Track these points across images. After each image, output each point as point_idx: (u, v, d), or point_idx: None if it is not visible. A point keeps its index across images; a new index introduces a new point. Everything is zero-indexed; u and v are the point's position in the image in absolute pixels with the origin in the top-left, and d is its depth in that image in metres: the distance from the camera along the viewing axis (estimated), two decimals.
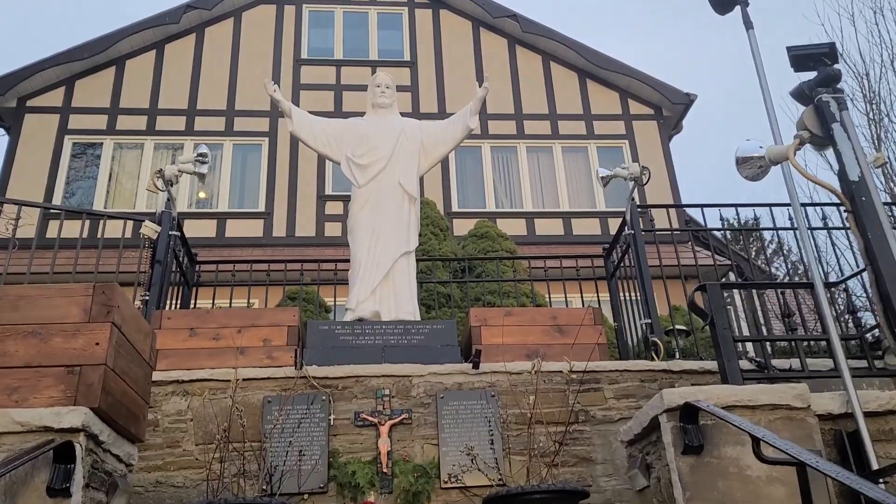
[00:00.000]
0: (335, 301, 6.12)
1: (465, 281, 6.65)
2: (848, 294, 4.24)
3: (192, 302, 5.86)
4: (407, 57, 14.30)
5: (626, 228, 5.37)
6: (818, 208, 5.92)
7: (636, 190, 5.29)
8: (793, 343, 4.02)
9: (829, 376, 3.23)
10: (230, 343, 4.39)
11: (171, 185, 4.87)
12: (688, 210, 12.16)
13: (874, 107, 9.79)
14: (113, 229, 5.98)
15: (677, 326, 5.07)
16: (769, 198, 5.48)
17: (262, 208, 12.69)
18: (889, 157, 9.66)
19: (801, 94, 3.15)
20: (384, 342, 4.67)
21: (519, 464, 4.11)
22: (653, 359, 4.72)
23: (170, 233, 4.96)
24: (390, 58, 14.06)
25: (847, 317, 4.24)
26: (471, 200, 13.06)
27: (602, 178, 5.44)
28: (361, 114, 5.91)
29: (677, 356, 4.96)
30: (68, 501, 2.32)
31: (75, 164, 12.93)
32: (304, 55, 14.19)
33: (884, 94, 9.68)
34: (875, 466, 2.70)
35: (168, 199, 5.00)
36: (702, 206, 5.40)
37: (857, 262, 5.77)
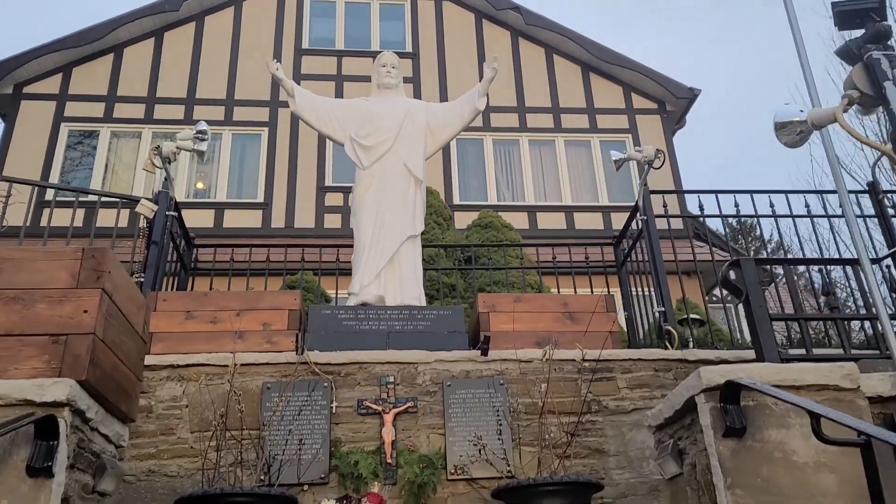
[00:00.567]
0: (337, 291, 5.94)
1: (471, 268, 6.47)
2: (891, 272, 4.05)
3: (189, 288, 5.67)
4: (409, 48, 14.12)
5: (637, 214, 5.19)
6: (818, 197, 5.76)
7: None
8: (815, 329, 3.84)
9: (878, 356, 3.05)
10: (228, 327, 4.21)
11: (169, 163, 4.68)
12: (689, 205, 12.01)
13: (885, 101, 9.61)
14: (107, 218, 5.78)
15: (692, 315, 4.90)
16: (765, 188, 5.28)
17: (260, 199, 12.52)
18: None
19: (848, 53, 2.97)
20: (389, 328, 4.49)
21: (529, 455, 3.94)
22: (667, 348, 4.54)
23: (167, 213, 4.77)
24: (392, 49, 13.82)
25: (893, 295, 4.06)
26: (473, 193, 12.90)
27: (615, 161, 5.27)
28: (362, 97, 5.73)
29: (691, 345, 4.79)
30: (50, 482, 2.13)
31: (71, 152, 12.74)
32: (305, 45, 14.01)
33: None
34: None
35: (166, 178, 4.80)
36: (716, 192, 5.23)
37: (875, 250, 5.62)
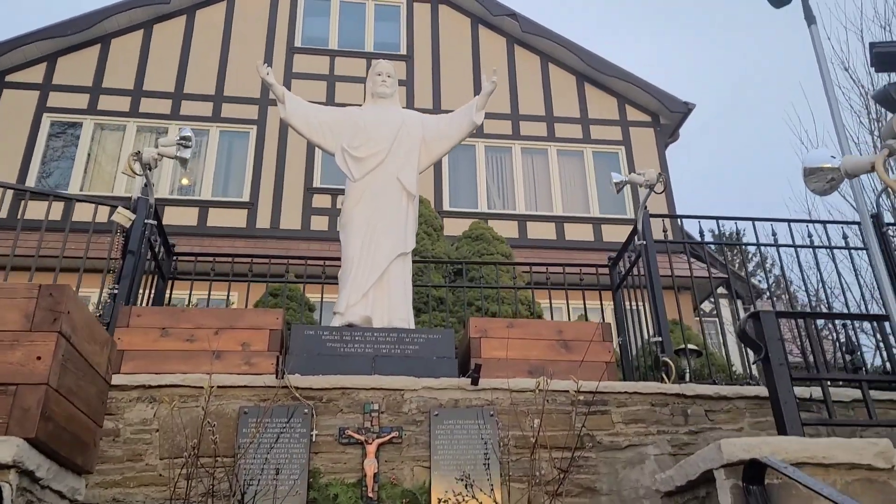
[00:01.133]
0: (322, 298, 5.72)
1: (461, 286, 6.27)
2: None
3: (167, 296, 5.43)
4: (403, 50, 13.93)
5: (636, 238, 5.02)
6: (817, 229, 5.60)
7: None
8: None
9: None
10: (205, 346, 3.98)
11: (150, 170, 4.45)
12: (684, 223, 11.89)
13: (881, 125, 9.52)
14: (85, 212, 5.52)
15: (689, 346, 4.73)
16: (754, 213, 5.14)
17: (246, 198, 12.26)
18: None
19: (887, 98, 2.81)
20: (375, 351, 4.27)
21: (518, 492, 3.75)
22: (663, 380, 4.37)
23: (146, 221, 4.53)
24: (386, 50, 13.65)
25: None
26: (463, 200, 12.72)
27: (615, 183, 5.09)
28: (355, 106, 5.52)
29: (688, 378, 4.63)
30: None
31: (53, 143, 12.41)
32: (297, 43, 13.77)
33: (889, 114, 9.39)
34: None
35: (145, 185, 4.56)
36: (716, 217, 5.07)
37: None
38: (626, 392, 4.17)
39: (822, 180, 2.89)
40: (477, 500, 3.62)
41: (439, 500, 3.69)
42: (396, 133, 5.03)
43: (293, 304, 6.83)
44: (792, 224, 5.31)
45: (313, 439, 3.81)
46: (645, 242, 4.87)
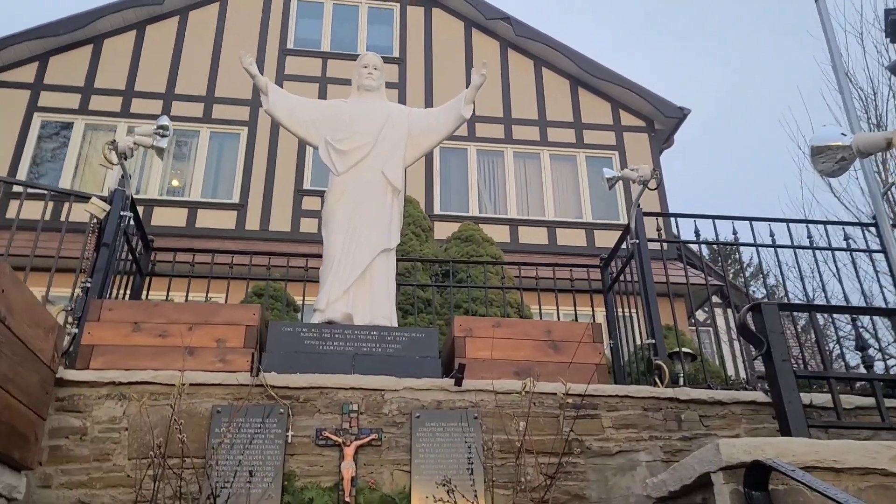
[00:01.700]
0: (304, 298, 5.57)
1: (448, 286, 6.11)
2: None
3: (145, 293, 5.25)
4: (396, 53, 13.83)
5: (629, 237, 4.87)
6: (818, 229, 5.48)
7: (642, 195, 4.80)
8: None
9: None
10: (178, 342, 3.81)
11: (126, 159, 4.28)
12: (680, 229, 11.77)
13: (881, 130, 9.43)
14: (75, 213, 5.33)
15: (684, 349, 4.58)
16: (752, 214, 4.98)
17: (236, 199, 12.12)
18: None
19: None
20: (355, 349, 4.11)
21: (503, 499, 3.59)
22: (656, 384, 4.22)
23: (121, 213, 4.37)
24: (379, 53, 13.46)
25: None
26: (454, 203, 12.59)
27: (607, 179, 4.94)
28: (340, 99, 5.39)
29: (681, 382, 4.48)
30: None
31: (44, 142, 12.26)
32: (290, 45, 13.68)
33: (891, 117, 9.31)
34: None
35: (122, 176, 4.40)
36: (712, 217, 4.93)
37: (881, 287, 5.34)
38: (616, 395, 4.01)
39: (830, 160, 2.72)
40: None
41: None
42: (382, 126, 4.89)
43: (277, 304, 6.67)
44: (791, 225, 5.17)
45: (289, 440, 3.65)
46: (638, 241, 4.73)
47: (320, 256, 4.84)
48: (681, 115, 13.63)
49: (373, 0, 14.43)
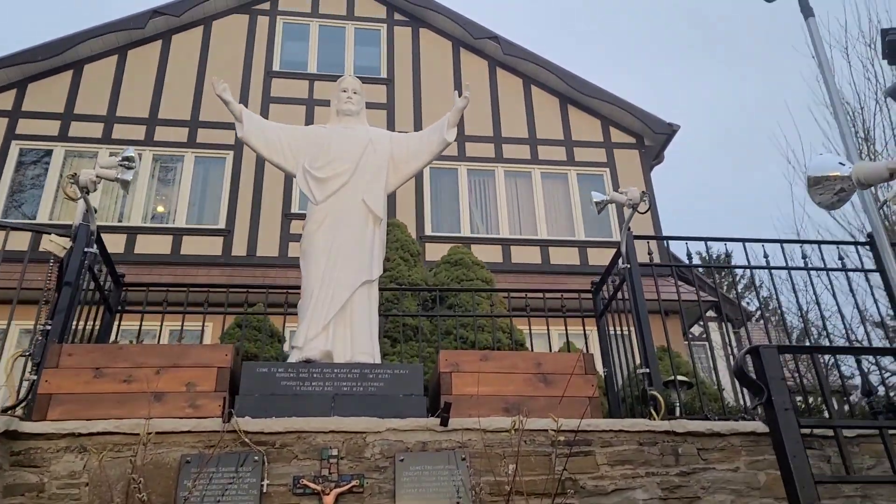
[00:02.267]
0: (284, 327, 5.37)
1: (436, 316, 5.90)
2: None
3: (116, 331, 5.02)
4: (384, 74, 13.71)
5: (620, 261, 4.68)
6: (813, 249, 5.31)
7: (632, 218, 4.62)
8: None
9: None
10: (145, 387, 3.58)
11: (88, 193, 4.07)
12: (671, 246, 11.62)
13: (869, 145, 9.31)
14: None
15: (679, 377, 4.38)
16: (740, 235, 4.80)
17: (222, 225, 11.90)
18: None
19: None
20: (335, 389, 3.88)
21: None
22: (652, 416, 4.01)
23: (85, 249, 4.14)
24: (367, 74, 13.41)
25: None
26: (445, 224, 12.40)
27: (596, 203, 4.76)
28: (319, 125, 5.20)
29: (678, 413, 4.27)
30: None
31: (23, 171, 12.05)
32: (275, 67, 13.54)
33: (878, 132, 9.19)
34: None
35: (86, 210, 4.18)
36: (705, 238, 4.76)
37: (878, 307, 5.15)
38: (611, 430, 3.80)
39: (829, 191, 2.54)
40: None
41: None
42: (362, 152, 4.69)
43: (260, 334, 6.44)
44: (784, 245, 5.01)
45: (264, 490, 3.42)
46: (629, 266, 4.53)
47: (300, 287, 4.63)
48: (670, 130, 13.54)
49: (359, 21, 14.35)
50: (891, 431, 3.00)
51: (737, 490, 3.66)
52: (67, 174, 4.01)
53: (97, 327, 4.62)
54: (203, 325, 5.46)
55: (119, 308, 5.04)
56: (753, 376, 2.55)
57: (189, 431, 3.51)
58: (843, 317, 5.22)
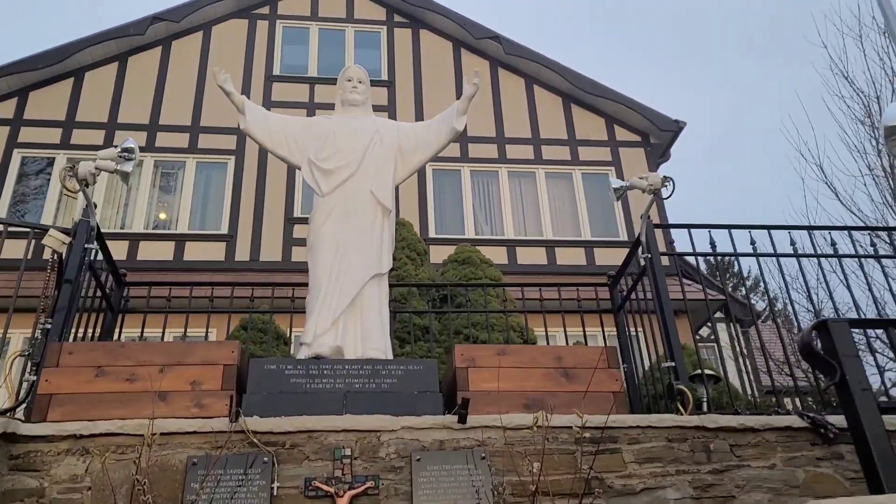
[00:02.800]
0: (291, 330, 5.20)
1: (446, 311, 5.72)
2: None
3: (117, 332, 4.85)
4: (385, 76, 13.59)
5: (640, 251, 4.51)
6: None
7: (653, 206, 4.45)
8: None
9: None
10: (148, 386, 3.42)
11: (87, 186, 3.92)
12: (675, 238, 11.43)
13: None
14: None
15: (707, 371, 4.20)
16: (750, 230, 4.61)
17: (225, 230, 11.76)
18: None
19: None
20: (346, 386, 3.71)
21: None
22: (679, 411, 3.83)
23: (86, 246, 3.98)
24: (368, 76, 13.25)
25: None
26: (449, 226, 12.24)
27: (615, 189, 4.58)
28: (324, 115, 5.05)
29: (705, 408, 4.09)
30: None
31: (25, 180, 11.93)
32: (276, 71, 13.43)
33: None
34: None
35: (86, 205, 4.02)
36: (729, 227, 4.57)
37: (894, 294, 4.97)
38: (638, 426, 3.62)
39: None
40: None
41: None
42: (369, 142, 4.53)
43: (265, 336, 6.27)
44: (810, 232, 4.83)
45: (275, 493, 3.24)
46: (650, 255, 4.36)
47: (306, 285, 4.46)
48: (676, 128, 13.38)
49: (359, 23, 14.24)
50: None
51: (774, 488, 3.48)
52: (65, 166, 3.84)
53: (98, 329, 4.44)
54: (207, 330, 5.31)
55: (121, 308, 4.88)
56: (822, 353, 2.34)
57: (195, 432, 3.34)
58: (857, 309, 5.02)
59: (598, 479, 3.46)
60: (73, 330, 3.95)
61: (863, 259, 4.63)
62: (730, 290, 17.26)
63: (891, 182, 8.46)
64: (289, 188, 12.15)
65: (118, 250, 11.21)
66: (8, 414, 3.37)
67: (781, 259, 4.73)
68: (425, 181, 12.38)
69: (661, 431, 3.62)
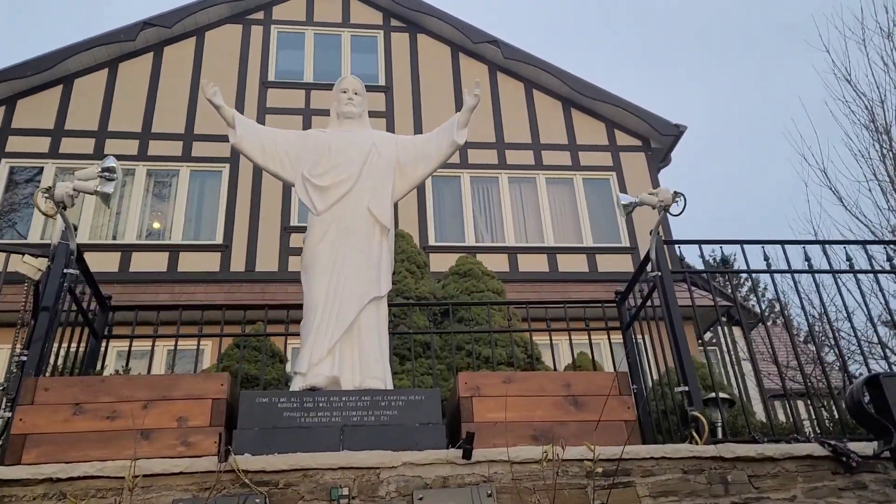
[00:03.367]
0: (286, 348, 4.98)
1: (448, 332, 5.52)
2: None
3: (102, 358, 4.64)
4: (382, 81, 13.40)
5: (648, 268, 4.31)
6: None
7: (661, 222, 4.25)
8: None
9: None
10: (131, 424, 3.20)
11: (65, 209, 3.70)
12: (683, 251, 11.23)
13: (888, 138, 8.95)
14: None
15: (721, 395, 3.99)
16: (752, 236, 4.45)
17: (219, 240, 11.54)
18: None
19: None
20: (344, 420, 3.49)
21: None
22: (693, 439, 3.62)
23: (65, 270, 3.76)
24: (364, 82, 12.96)
25: None
26: (449, 234, 12.04)
27: (624, 206, 4.38)
28: (318, 129, 4.84)
29: (720, 434, 3.89)
30: None
31: (13, 190, 11.70)
32: (271, 77, 13.24)
33: None
34: None
35: (65, 228, 3.81)
36: (741, 241, 4.39)
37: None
38: (651, 458, 3.41)
39: None
40: None
41: None
42: (366, 157, 4.32)
43: (261, 355, 6.05)
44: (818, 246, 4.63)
45: None
46: (660, 274, 4.15)
47: (300, 306, 4.25)
48: (677, 132, 13.21)
49: (355, 28, 14.05)
50: None
51: None
52: (41, 187, 3.62)
53: (80, 354, 4.22)
54: (198, 345, 5.11)
55: (106, 333, 4.65)
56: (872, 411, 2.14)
57: (181, 473, 3.12)
58: (873, 324, 4.83)
59: None
60: (53, 359, 3.73)
61: (879, 275, 4.41)
62: (728, 292, 17.03)
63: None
64: (285, 197, 11.95)
65: (110, 262, 11.02)
66: None
67: (816, 272, 4.52)
68: (424, 188, 12.19)
69: (677, 463, 3.42)
